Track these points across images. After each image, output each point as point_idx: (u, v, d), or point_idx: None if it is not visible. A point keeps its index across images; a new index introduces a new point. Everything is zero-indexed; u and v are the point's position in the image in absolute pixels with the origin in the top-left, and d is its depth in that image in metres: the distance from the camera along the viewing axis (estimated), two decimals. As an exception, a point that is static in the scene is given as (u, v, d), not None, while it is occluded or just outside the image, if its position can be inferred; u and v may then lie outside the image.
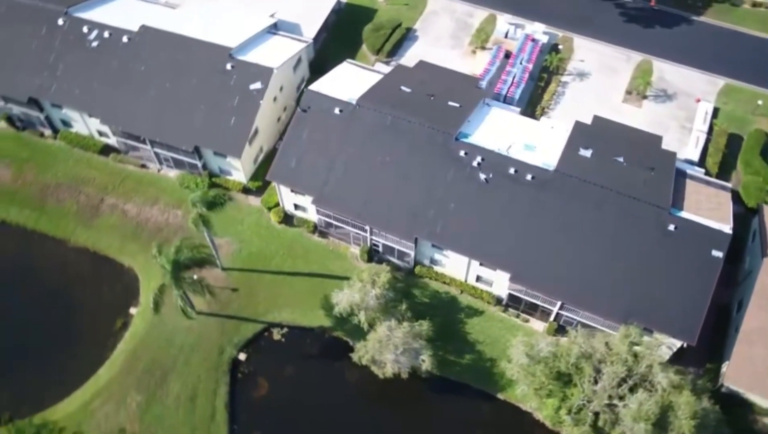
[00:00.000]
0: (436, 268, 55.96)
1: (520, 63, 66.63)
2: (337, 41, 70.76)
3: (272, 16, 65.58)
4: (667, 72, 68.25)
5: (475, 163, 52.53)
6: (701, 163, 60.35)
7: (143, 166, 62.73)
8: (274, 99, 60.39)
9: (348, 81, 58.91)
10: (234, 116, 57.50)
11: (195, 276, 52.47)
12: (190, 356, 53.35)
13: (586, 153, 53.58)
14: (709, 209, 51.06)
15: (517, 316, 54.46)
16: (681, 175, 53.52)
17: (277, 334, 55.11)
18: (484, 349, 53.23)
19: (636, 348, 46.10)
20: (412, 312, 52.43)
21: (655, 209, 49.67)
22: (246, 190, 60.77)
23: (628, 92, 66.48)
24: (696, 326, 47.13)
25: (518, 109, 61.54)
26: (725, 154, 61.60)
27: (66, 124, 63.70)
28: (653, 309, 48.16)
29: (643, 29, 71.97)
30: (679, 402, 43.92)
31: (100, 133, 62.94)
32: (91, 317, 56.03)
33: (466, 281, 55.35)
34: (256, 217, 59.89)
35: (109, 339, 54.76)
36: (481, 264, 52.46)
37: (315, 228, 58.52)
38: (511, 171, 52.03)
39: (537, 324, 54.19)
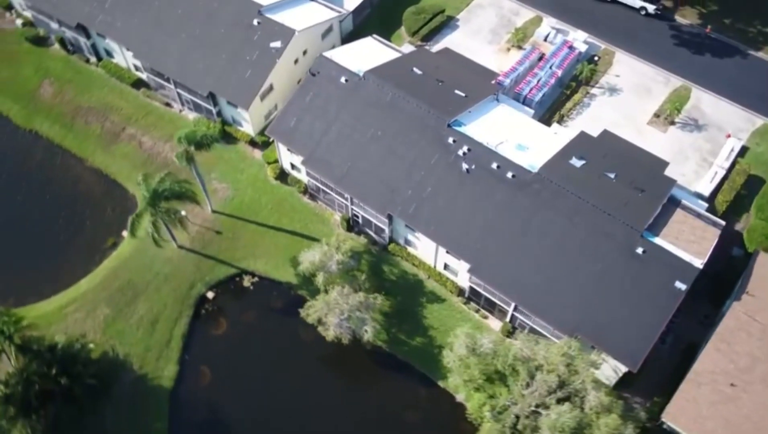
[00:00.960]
0: (409, 249, 56.62)
1: (550, 67, 65.69)
2: (378, 18, 71.89)
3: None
4: (705, 102, 65.34)
5: (460, 152, 52.70)
6: (711, 198, 57.80)
7: (167, 104, 66.49)
8: (295, 61, 62.33)
9: (365, 54, 60.11)
10: (250, 69, 60.00)
11: (183, 212, 55.67)
12: (163, 284, 56.54)
13: (577, 163, 52.60)
14: (688, 241, 49.20)
15: (477, 311, 54.37)
16: (673, 203, 51.67)
17: (247, 281, 57.50)
18: (436, 336, 53.56)
19: (576, 361, 45.32)
20: (376, 286, 53.67)
21: (628, 229, 48.37)
22: (253, 143, 63.31)
23: (656, 115, 64.22)
24: (641, 353, 45.77)
25: (531, 112, 60.86)
26: (741, 195, 58.66)
27: (108, 53, 68.33)
28: (603, 328, 47.11)
29: (691, 54, 69.07)
30: (599, 423, 43.02)
31: (136, 68, 67.09)
32: (88, 232, 60.36)
33: (434, 267, 55.72)
34: (255, 170, 62.35)
35: (97, 255, 58.77)
36: (447, 252, 52.71)
37: (306, 190, 60.38)
38: (494, 166, 51.90)
39: (495, 323, 53.93)
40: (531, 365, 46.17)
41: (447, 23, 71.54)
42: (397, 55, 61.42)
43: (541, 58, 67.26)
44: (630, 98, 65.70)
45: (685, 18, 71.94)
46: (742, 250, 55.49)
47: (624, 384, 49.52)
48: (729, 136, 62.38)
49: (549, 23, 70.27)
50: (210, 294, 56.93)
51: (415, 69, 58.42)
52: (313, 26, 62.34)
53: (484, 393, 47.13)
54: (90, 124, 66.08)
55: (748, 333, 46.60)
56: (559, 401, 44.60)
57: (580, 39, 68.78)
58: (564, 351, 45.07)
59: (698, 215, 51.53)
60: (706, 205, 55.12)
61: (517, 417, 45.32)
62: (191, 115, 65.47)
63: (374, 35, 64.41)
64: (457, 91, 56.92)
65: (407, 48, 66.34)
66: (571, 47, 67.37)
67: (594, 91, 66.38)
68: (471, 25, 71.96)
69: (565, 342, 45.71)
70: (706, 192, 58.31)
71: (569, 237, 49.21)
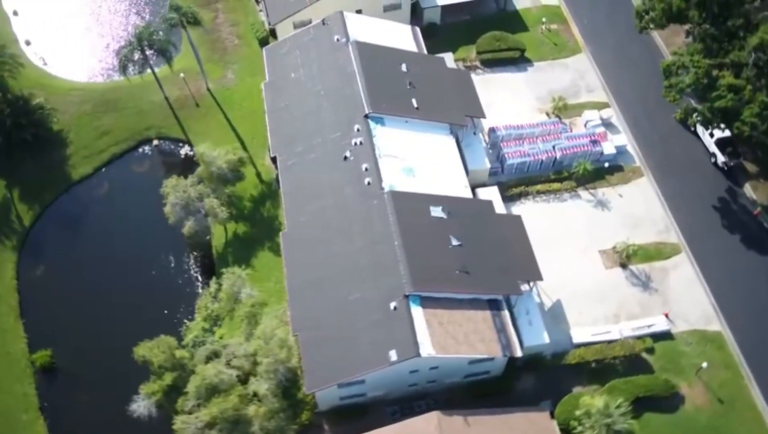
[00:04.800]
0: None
1: (553, 147, 61.28)
2: (467, 26, 72.30)
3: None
4: (674, 280, 55.91)
5: (353, 141, 54.15)
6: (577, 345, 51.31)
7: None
8: (344, 13, 66.96)
9: (383, 34, 62.46)
10: None
11: (182, 75, 65.95)
12: (132, 114, 67.90)
13: (435, 211, 50.78)
14: (453, 334, 45.71)
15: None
16: (495, 305, 47.89)
17: (184, 153, 66.24)
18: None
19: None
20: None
21: (399, 287, 46.48)
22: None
23: (619, 251, 56.68)
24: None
25: (487, 167, 58.72)
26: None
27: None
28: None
29: (712, 226, 58.56)
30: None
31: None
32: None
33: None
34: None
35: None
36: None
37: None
38: (364, 167, 52.60)
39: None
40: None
41: (516, 62, 69.51)
42: (414, 51, 62.72)
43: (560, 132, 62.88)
44: (615, 223, 58.59)
45: (755, 192, 60.42)
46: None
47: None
48: (666, 314, 53.51)
49: (605, 113, 64.63)
50: (155, 141, 67.07)
51: (403, 64, 59.69)
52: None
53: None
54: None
55: None
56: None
57: (616, 142, 62.41)
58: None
59: (501, 328, 47.13)
60: (545, 341, 49.66)
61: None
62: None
63: (415, 27, 66.08)
64: (414, 100, 57.27)
65: (449, 59, 66.23)
66: (595, 141, 61.67)
67: (580, 192, 60.55)
68: (537, 75, 68.98)
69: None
70: (579, 338, 51.83)
71: (363, 257, 49.00)
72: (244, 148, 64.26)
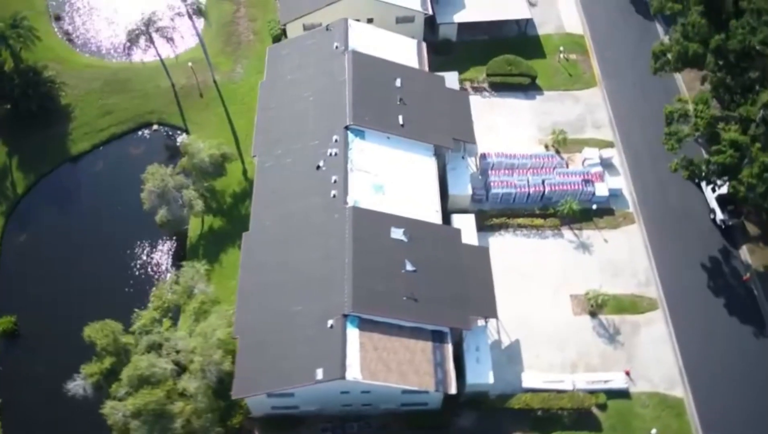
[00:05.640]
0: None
1: (542, 182, 59.20)
2: (482, 46, 70.67)
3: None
4: (658, 331, 53.23)
5: (329, 151, 53.60)
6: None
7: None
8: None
9: (386, 47, 61.66)
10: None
11: (190, 64, 66.87)
12: (137, 96, 69.27)
13: (396, 233, 49.79)
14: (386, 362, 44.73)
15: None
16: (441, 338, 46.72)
17: (180, 140, 66.98)
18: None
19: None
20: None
21: (340, 305, 45.72)
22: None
23: (589, 298, 54.26)
24: (242, 390, 45.05)
25: (468, 193, 57.35)
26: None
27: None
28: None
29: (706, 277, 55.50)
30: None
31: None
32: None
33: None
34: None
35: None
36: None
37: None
38: (333, 178, 51.96)
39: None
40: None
41: (526, 88, 67.47)
42: (413, 67, 61.68)
43: (555, 167, 60.72)
44: (591, 266, 56.34)
45: (751, 255, 56.90)
46: None
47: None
48: (628, 372, 51.01)
49: (606, 153, 62.05)
50: (155, 126, 68.23)
51: (397, 79, 58.75)
52: (382, 0, 65.20)
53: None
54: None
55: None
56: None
57: (611, 185, 59.88)
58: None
59: (439, 362, 45.80)
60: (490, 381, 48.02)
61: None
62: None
63: (422, 42, 64.96)
64: (400, 117, 56.31)
65: (454, 78, 64.60)
66: (588, 181, 59.28)
67: (564, 231, 58.32)
68: (545, 104, 66.86)
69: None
70: (529, 383, 49.98)
71: (314, 270, 48.51)
72: (238, 143, 64.74)
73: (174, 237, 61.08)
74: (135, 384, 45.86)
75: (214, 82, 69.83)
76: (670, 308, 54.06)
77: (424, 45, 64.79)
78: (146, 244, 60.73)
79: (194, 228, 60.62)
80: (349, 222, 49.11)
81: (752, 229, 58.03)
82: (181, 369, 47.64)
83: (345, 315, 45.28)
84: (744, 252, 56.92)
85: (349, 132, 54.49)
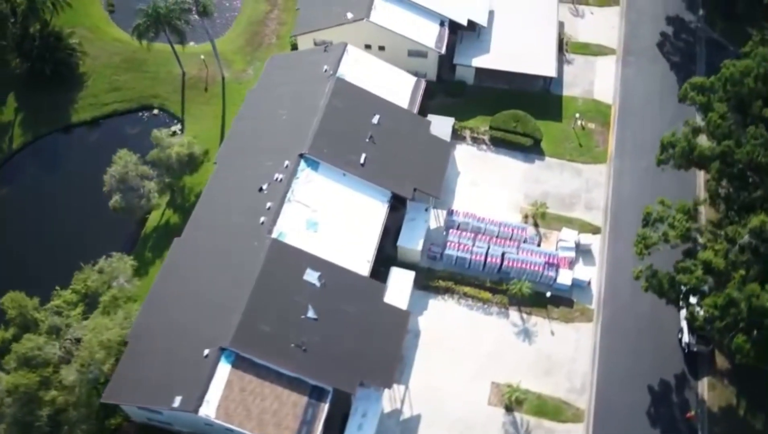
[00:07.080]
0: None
1: (502, 254, 55.02)
2: (498, 96, 66.47)
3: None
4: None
5: (276, 176, 52.18)
6: None
7: None
8: (367, 46, 64.36)
9: (382, 78, 59.60)
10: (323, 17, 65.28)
11: (202, 57, 67.70)
12: (152, 79, 70.64)
13: (312, 277, 47.76)
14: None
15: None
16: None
17: (174, 130, 67.61)
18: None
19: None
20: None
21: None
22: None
23: (504, 393, 49.91)
24: (107, 396, 44.66)
25: (418, 248, 54.30)
26: None
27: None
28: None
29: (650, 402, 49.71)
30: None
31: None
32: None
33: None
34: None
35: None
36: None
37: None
38: (268, 205, 50.51)
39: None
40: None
41: (527, 150, 62.93)
42: (399, 105, 58.90)
43: (524, 241, 56.42)
44: (521, 354, 51.96)
45: (709, 391, 50.39)
46: None
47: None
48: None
49: (584, 239, 56.91)
50: (155, 111, 69.41)
51: (375, 117, 56.38)
52: (393, 31, 62.77)
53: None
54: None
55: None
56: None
57: (577, 275, 54.84)
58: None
59: (308, 420, 43.58)
60: None
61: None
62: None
63: (420, 80, 62.00)
64: (363, 155, 54.05)
65: (447, 125, 61.23)
66: (552, 265, 54.62)
67: (512, 313, 54.03)
68: (541, 171, 62.05)
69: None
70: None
71: (217, 293, 47.43)
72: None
73: (136, 225, 61.63)
74: (19, 363, 46.55)
75: (222, 78, 69.98)
76: (596, 426, 48.82)
77: (423, 83, 61.91)
78: (106, 225, 61.52)
79: (154, 220, 60.99)
80: (263, 253, 47.61)
81: (721, 362, 51.41)
82: (70, 358, 47.90)
83: (222, 349, 43.87)
84: (702, 386, 50.57)
85: (303, 160, 52.89)
